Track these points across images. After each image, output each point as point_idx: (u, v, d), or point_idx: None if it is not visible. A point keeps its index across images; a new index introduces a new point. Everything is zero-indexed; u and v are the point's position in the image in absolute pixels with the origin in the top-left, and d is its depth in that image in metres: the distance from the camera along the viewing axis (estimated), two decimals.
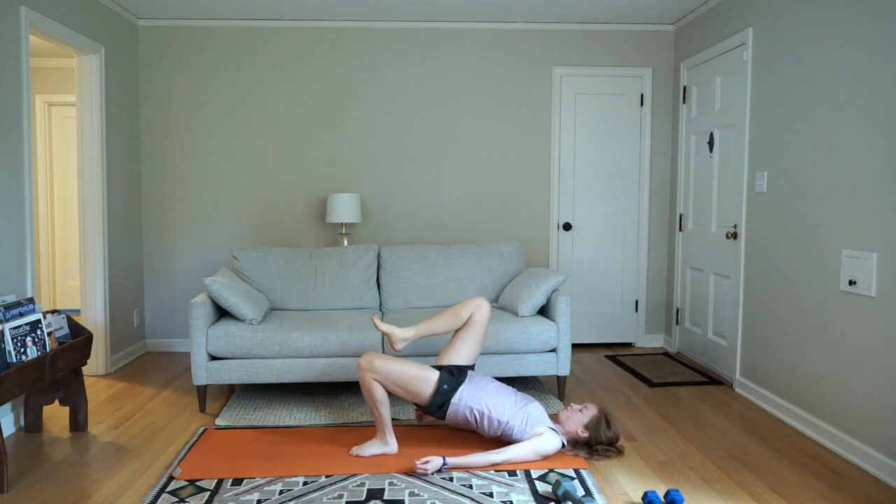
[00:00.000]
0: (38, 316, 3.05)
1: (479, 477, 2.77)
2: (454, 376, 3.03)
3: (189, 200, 5.02)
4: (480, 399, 2.99)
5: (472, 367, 3.18)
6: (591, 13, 4.77)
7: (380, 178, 5.06)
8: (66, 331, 3.35)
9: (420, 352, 3.67)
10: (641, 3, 4.54)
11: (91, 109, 4.29)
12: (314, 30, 4.97)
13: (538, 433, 2.94)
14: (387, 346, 3.65)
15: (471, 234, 5.13)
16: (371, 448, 3.00)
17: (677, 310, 5.03)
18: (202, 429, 3.37)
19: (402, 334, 3.14)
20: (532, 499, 2.57)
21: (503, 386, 3.11)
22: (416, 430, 3.32)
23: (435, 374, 3.00)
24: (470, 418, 3.00)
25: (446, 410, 2.99)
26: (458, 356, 3.13)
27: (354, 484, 2.70)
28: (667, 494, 2.50)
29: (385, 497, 2.58)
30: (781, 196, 3.61)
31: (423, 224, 5.10)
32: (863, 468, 2.92)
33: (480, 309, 3.17)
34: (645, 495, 2.50)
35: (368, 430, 3.35)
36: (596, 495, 2.61)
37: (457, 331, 3.20)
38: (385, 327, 3.12)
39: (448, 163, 5.08)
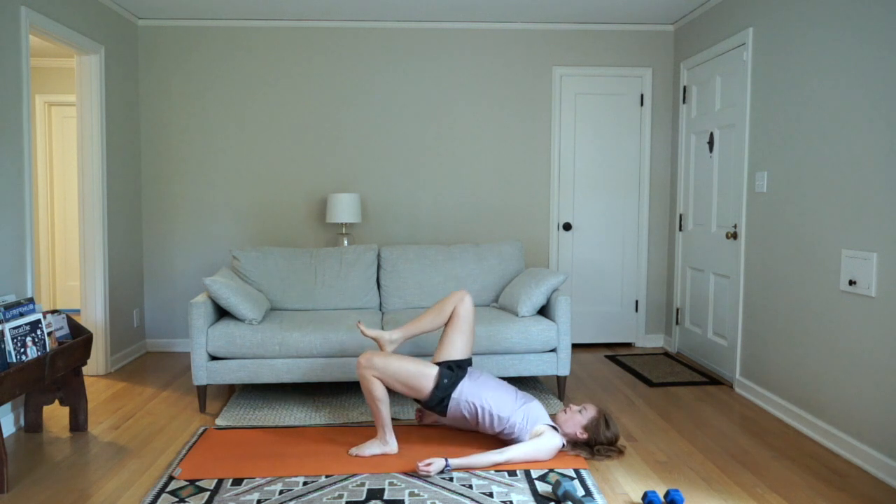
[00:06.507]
0: (38, 316, 3.05)
1: (479, 477, 2.77)
2: (454, 371, 3.04)
3: (189, 200, 5.02)
4: (481, 394, 2.99)
5: (469, 361, 3.19)
6: (591, 13, 4.77)
7: (380, 178, 5.06)
8: (66, 331, 3.35)
9: (416, 353, 3.67)
10: (641, 3, 4.54)
11: (91, 109, 4.29)
12: (314, 30, 4.97)
13: (539, 432, 2.95)
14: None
15: (471, 234, 5.13)
16: (371, 448, 3.00)
17: (677, 310, 5.03)
18: (202, 429, 3.37)
19: (390, 336, 3.16)
20: (532, 499, 2.57)
21: (503, 383, 3.12)
22: (416, 430, 3.32)
23: (434, 370, 3.01)
24: (471, 413, 3.00)
25: (447, 405, 3.00)
26: (451, 351, 3.14)
27: (354, 484, 2.70)
28: (667, 494, 2.50)
29: (385, 497, 2.58)
30: (781, 196, 3.61)
31: (423, 224, 5.10)
32: (863, 468, 2.92)
33: (462, 302, 3.18)
34: (645, 495, 2.50)
35: (368, 430, 3.35)
36: (596, 495, 2.61)
37: (445, 327, 3.21)
38: (372, 332, 3.14)
39: (448, 162, 5.08)
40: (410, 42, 5.01)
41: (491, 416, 2.98)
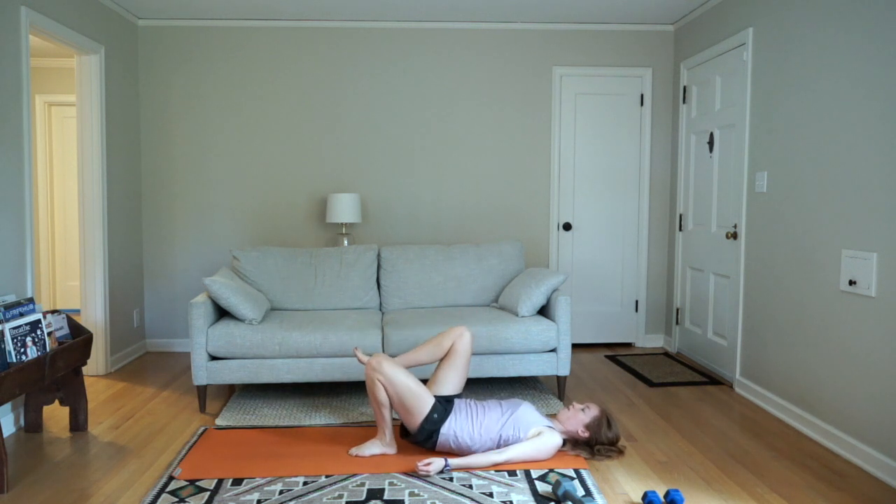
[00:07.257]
0: (38, 316, 3.05)
1: (479, 477, 2.77)
2: (443, 406, 3.01)
3: (189, 200, 5.03)
4: (469, 427, 2.96)
5: (459, 396, 3.16)
6: (592, 13, 4.77)
7: (380, 178, 5.06)
8: (66, 331, 3.35)
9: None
10: (641, 3, 4.54)
11: (91, 109, 4.29)
12: (314, 30, 4.97)
13: (537, 433, 2.94)
14: (387, 345, 3.65)
15: (471, 234, 5.13)
16: (371, 448, 3.00)
17: (677, 310, 5.03)
18: (202, 429, 3.37)
19: None
20: (532, 499, 2.57)
21: (486, 404, 3.08)
22: None
23: (431, 399, 2.98)
24: (463, 446, 2.96)
25: (436, 441, 2.97)
26: (443, 387, 3.11)
27: (354, 484, 2.70)
28: (667, 494, 2.50)
29: (385, 497, 2.58)
30: (781, 196, 3.61)
31: (423, 224, 5.10)
32: (863, 468, 2.92)
33: (462, 338, 3.16)
34: (645, 495, 2.50)
35: (368, 430, 3.35)
36: (596, 495, 2.61)
37: (441, 361, 3.19)
38: (367, 359, 3.10)
39: (448, 162, 5.08)
40: (410, 42, 5.01)
41: (483, 441, 2.96)
